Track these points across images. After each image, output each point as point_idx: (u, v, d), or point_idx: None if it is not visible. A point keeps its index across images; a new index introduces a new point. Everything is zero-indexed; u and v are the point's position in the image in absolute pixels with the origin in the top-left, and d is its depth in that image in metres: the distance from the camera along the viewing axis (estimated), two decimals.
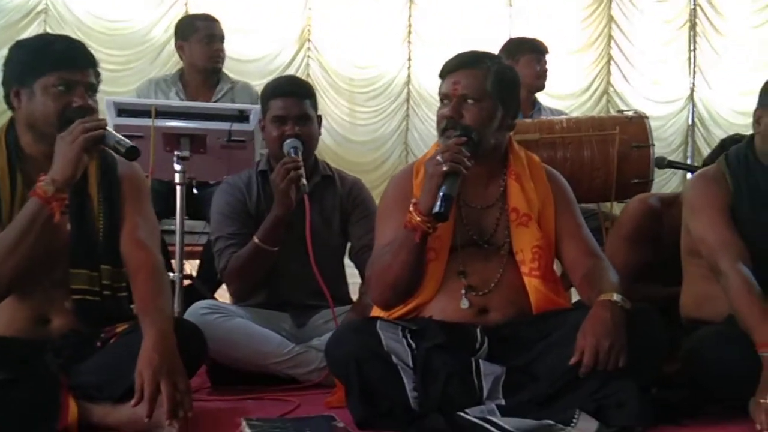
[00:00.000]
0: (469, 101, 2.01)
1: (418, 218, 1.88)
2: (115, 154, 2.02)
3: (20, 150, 1.99)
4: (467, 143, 1.93)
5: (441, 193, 1.84)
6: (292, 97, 2.63)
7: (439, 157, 1.89)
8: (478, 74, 2.03)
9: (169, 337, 1.81)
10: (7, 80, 1.98)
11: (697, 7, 11.37)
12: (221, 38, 3.66)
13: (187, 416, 1.73)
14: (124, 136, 2.64)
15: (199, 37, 3.60)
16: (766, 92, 2.24)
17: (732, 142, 2.80)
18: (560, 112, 4.06)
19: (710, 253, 2.14)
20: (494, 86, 2.03)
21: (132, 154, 1.90)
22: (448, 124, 2.00)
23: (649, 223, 2.71)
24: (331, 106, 9.65)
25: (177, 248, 2.77)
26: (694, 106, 11.44)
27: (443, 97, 2.05)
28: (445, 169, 1.86)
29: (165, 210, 2.99)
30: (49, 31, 8.26)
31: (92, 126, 1.86)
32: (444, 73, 2.06)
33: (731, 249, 2.09)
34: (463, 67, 2.04)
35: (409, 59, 10.25)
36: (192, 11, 8.74)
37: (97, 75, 2.02)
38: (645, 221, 2.71)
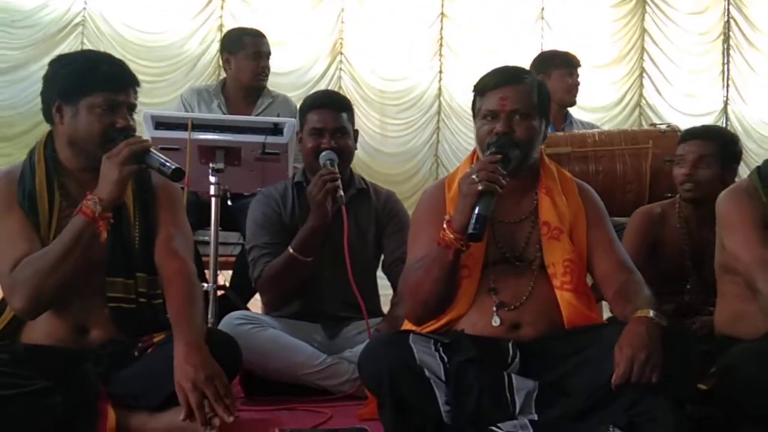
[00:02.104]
0: (518, 117, 2.00)
1: (452, 236, 1.88)
2: None
3: (59, 163, 2.03)
4: (502, 161, 1.93)
5: (475, 213, 1.84)
6: (329, 110, 2.66)
7: (474, 176, 1.88)
8: (524, 89, 2.03)
9: (199, 346, 1.85)
10: (49, 94, 2.02)
11: (731, 20, 11.26)
12: (267, 55, 3.68)
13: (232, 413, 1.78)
14: (161, 148, 2.71)
15: (247, 53, 3.61)
16: None
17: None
18: (592, 126, 4.04)
19: (747, 272, 2.11)
20: (538, 101, 2.04)
21: (177, 175, 1.93)
22: (499, 140, 1.98)
23: (651, 228, 2.76)
24: (362, 119, 9.69)
25: (211, 259, 2.81)
26: (727, 119, 11.30)
27: (489, 113, 2.02)
28: (480, 188, 1.85)
29: (199, 221, 3.03)
30: (87, 43, 8.42)
31: (137, 148, 1.90)
32: (487, 89, 2.04)
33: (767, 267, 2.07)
34: (509, 82, 2.03)
35: (441, 72, 10.28)
36: (227, 24, 8.86)
37: (136, 93, 2.06)
38: (646, 227, 2.76)
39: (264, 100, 3.67)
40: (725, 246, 2.23)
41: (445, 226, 1.91)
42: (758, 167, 2.27)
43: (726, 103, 11.31)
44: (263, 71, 3.65)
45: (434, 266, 1.93)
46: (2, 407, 1.75)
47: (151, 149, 1.94)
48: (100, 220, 1.87)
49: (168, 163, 1.93)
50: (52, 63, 2.06)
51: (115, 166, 1.88)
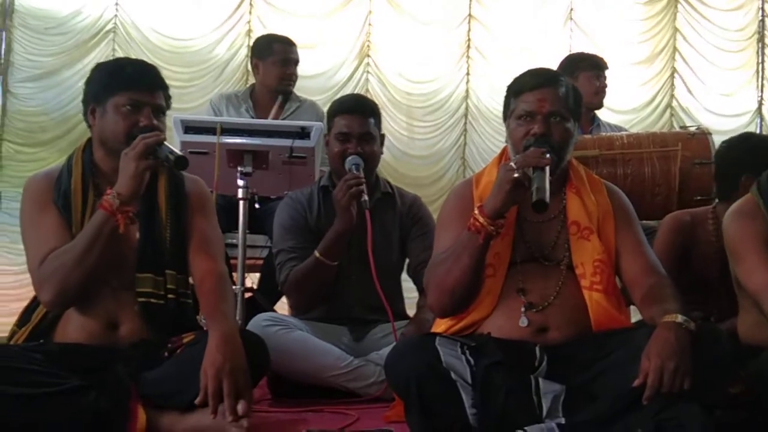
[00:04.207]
0: (555, 119, 2.01)
1: (483, 221, 1.89)
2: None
3: (94, 165, 2.11)
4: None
5: (534, 186, 1.85)
6: (357, 115, 2.68)
7: (512, 163, 1.90)
8: (560, 92, 2.03)
9: (231, 338, 1.90)
10: (85, 99, 2.12)
11: (766, 19, 11.05)
12: (296, 62, 3.77)
13: (247, 414, 1.81)
14: (191, 152, 2.76)
15: (275, 59, 3.70)
16: None
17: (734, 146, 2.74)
18: (620, 128, 4.01)
19: (756, 298, 2.11)
20: (572, 104, 2.05)
21: (180, 163, 1.98)
22: (538, 142, 1.97)
23: (680, 238, 2.70)
24: (389, 121, 9.68)
25: (239, 261, 2.84)
26: (762, 119, 11.09)
27: (526, 114, 2.02)
28: (516, 176, 1.86)
29: (227, 224, 3.07)
30: (118, 49, 8.53)
31: (151, 141, 1.96)
32: (524, 90, 2.04)
33: None
34: (548, 84, 2.04)
35: (468, 74, 10.22)
36: (255, 29, 8.92)
37: (167, 98, 2.13)
38: (676, 237, 2.71)
39: (291, 105, 3.74)
40: (734, 271, 2.22)
41: (476, 211, 1.91)
42: (758, 181, 2.24)
43: (760, 103, 11.07)
44: (289, 77, 3.73)
45: (464, 253, 1.94)
46: (37, 405, 1.79)
47: (165, 142, 1.99)
48: (119, 214, 1.93)
49: (173, 153, 1.98)
50: (92, 70, 2.16)
51: (132, 161, 1.95)
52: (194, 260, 2.10)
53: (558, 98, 2.02)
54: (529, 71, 2.10)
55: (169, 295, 2.06)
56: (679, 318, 1.81)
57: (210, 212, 2.21)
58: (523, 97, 2.04)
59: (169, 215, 2.11)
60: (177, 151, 2.00)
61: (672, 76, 10.88)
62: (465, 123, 10.28)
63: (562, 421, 1.78)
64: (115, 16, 8.73)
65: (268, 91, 3.73)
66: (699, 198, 3.05)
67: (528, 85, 2.04)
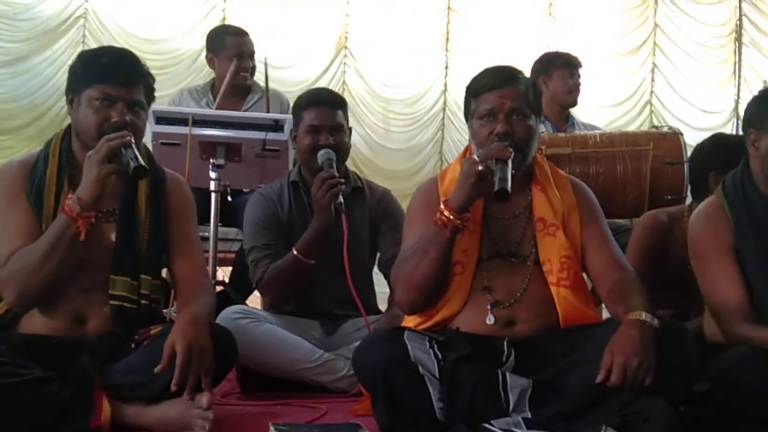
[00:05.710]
0: (517, 117, 2.03)
1: (449, 214, 1.90)
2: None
3: (71, 156, 2.05)
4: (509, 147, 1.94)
5: (496, 177, 1.86)
6: (327, 107, 2.66)
7: (475, 156, 1.92)
8: (520, 89, 2.05)
9: (201, 320, 1.91)
10: (66, 88, 2.07)
11: (744, 18, 11.11)
12: (250, 54, 3.64)
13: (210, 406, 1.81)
14: (162, 143, 2.73)
15: (228, 54, 3.58)
16: (760, 113, 2.17)
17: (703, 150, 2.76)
18: (594, 127, 4.04)
19: (715, 313, 2.15)
20: (533, 101, 2.07)
21: (137, 173, 1.89)
22: (501, 139, 1.98)
23: (657, 237, 2.72)
24: (366, 114, 9.67)
25: (210, 255, 2.82)
26: (738, 118, 11.19)
27: (488, 113, 2.03)
28: (479, 168, 1.88)
29: (199, 217, 3.04)
30: (88, 36, 8.43)
31: (115, 144, 1.88)
32: (484, 90, 2.05)
33: (735, 309, 2.09)
34: (507, 83, 2.05)
35: (446, 67, 10.24)
36: (229, 16, 8.84)
37: (149, 91, 2.05)
38: (652, 236, 2.73)
39: (253, 96, 3.65)
40: (696, 272, 2.25)
41: (442, 206, 1.93)
42: (723, 182, 2.26)
43: (737, 101, 11.15)
44: (245, 70, 3.60)
45: (431, 247, 1.95)
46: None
47: (132, 145, 1.90)
48: (80, 219, 1.87)
49: (134, 161, 1.88)
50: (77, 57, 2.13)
51: (94, 165, 1.87)
52: (176, 265, 2.09)
53: (518, 95, 2.04)
54: (486, 70, 2.12)
55: (143, 301, 2.02)
56: (644, 316, 1.83)
57: (191, 215, 2.17)
58: (484, 97, 2.05)
59: (148, 216, 2.06)
60: (139, 158, 1.89)
61: (652, 71, 10.93)
62: (443, 117, 10.29)
63: (528, 415, 1.80)
64: (86, 1, 8.62)
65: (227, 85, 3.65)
66: (670, 197, 3.08)
67: (487, 85, 2.06)
